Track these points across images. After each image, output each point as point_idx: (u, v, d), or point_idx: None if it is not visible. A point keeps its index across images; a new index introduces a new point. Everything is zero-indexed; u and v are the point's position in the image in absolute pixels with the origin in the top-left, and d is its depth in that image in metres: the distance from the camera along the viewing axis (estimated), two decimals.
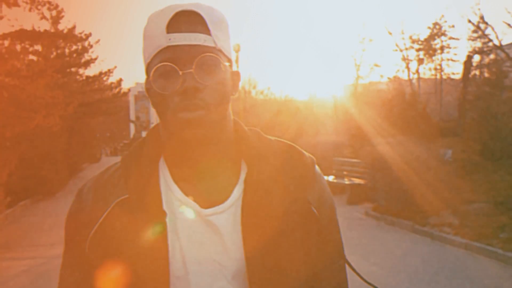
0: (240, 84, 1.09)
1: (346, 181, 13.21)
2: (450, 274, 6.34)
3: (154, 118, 50.61)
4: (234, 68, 1.08)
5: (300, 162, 1.12)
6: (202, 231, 1.02)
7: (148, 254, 0.99)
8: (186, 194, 1.04)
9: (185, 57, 0.96)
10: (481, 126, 13.37)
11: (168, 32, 0.97)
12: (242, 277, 1.03)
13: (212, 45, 0.99)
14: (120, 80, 33.16)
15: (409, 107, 16.49)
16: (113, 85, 32.95)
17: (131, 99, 55.61)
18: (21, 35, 9.51)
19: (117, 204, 1.03)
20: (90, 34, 26.67)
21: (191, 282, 1.01)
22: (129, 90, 41.74)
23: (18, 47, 9.99)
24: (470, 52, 25.07)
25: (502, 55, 19.93)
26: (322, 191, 1.13)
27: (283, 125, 25.85)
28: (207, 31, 0.98)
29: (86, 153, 30.61)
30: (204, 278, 1.02)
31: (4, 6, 9.80)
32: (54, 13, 25.50)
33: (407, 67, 29.24)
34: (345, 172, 13.96)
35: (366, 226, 9.87)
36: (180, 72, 0.96)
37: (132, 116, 63.04)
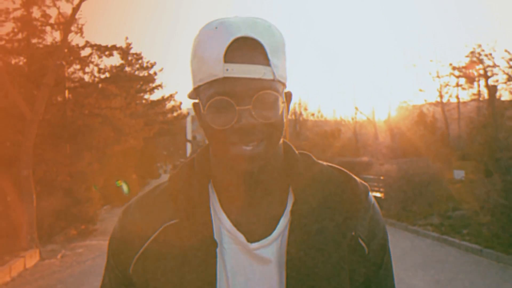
0: (291, 106, 1.05)
1: None
2: (416, 255, 9.11)
3: None
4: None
5: (351, 190, 1.05)
6: (247, 265, 1.00)
7: (195, 284, 0.97)
8: (234, 225, 1.01)
9: (243, 91, 0.90)
10: (485, 149, 15.83)
11: (225, 61, 0.90)
12: None
13: (271, 77, 0.92)
14: (180, 103, 37.05)
15: (429, 132, 19.00)
16: (174, 108, 36.88)
17: (188, 119, 59.26)
18: (118, 79, 13.00)
19: (165, 228, 1.00)
20: (154, 63, 30.69)
21: None
22: (188, 112, 45.63)
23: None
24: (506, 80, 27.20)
25: None
26: (374, 223, 1.06)
27: (328, 146, 28.60)
28: (266, 61, 0.92)
29: (150, 170, 34.59)
30: None
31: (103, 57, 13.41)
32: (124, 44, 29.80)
33: (440, 94, 31.39)
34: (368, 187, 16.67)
35: None
36: (237, 108, 0.91)
37: (189, 136, 66.80)
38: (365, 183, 1.09)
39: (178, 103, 36.57)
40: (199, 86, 0.96)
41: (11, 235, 9.72)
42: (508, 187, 8.62)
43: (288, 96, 1.03)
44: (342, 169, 1.10)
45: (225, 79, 0.90)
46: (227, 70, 0.89)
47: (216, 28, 0.92)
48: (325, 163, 1.11)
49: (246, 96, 0.90)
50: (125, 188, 12.02)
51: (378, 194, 15.57)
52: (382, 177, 15.12)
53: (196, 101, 1.01)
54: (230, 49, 0.90)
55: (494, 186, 9.06)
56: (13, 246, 9.21)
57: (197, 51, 0.95)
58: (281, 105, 0.95)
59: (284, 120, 0.97)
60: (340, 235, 1.00)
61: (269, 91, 0.91)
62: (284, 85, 0.98)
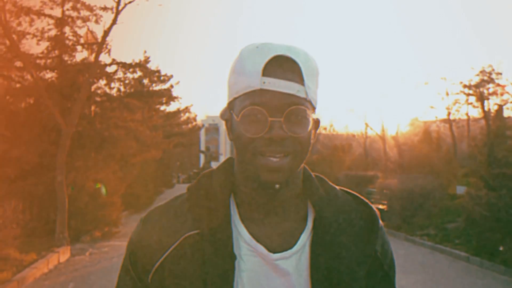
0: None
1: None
2: (410, 261, 10.03)
3: (223, 149, 55.12)
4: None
5: (368, 211, 1.12)
6: (267, 276, 1.02)
7: None
8: (254, 237, 1.03)
9: (276, 104, 0.96)
10: (484, 167, 16.70)
11: (263, 75, 0.96)
12: None
13: (304, 96, 0.98)
14: (195, 116, 38.28)
15: (435, 148, 19.86)
16: (189, 120, 38.09)
17: (202, 131, 60.36)
18: (140, 95, 14.16)
19: (186, 238, 1.03)
20: (171, 76, 31.95)
21: None
22: (203, 124, 46.78)
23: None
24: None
25: None
26: (385, 243, 1.13)
27: (338, 161, 29.39)
28: (301, 80, 0.98)
29: (165, 180, 35.73)
30: None
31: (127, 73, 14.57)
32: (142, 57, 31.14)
33: (449, 112, 32.21)
34: (372, 200, 17.63)
35: None
36: (269, 119, 0.96)
37: (202, 147, 67.75)
38: (375, 208, 1.14)
39: (193, 115, 37.78)
40: (235, 99, 1.02)
41: (46, 233, 10.83)
42: (492, 201, 9.55)
43: (316, 122, 1.08)
44: (355, 193, 1.16)
45: (261, 90, 0.97)
46: (264, 82, 0.96)
47: (257, 47, 1.00)
48: (337, 187, 1.16)
49: (279, 109, 0.96)
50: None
51: (381, 206, 16.49)
52: (385, 191, 16.05)
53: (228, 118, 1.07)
54: (268, 65, 0.97)
55: (481, 200, 9.98)
56: (47, 244, 10.30)
57: (236, 66, 1.02)
58: (310, 122, 1.00)
59: (311, 141, 1.03)
60: (361, 253, 1.05)
61: (301, 107, 0.97)
62: (314, 109, 1.04)
